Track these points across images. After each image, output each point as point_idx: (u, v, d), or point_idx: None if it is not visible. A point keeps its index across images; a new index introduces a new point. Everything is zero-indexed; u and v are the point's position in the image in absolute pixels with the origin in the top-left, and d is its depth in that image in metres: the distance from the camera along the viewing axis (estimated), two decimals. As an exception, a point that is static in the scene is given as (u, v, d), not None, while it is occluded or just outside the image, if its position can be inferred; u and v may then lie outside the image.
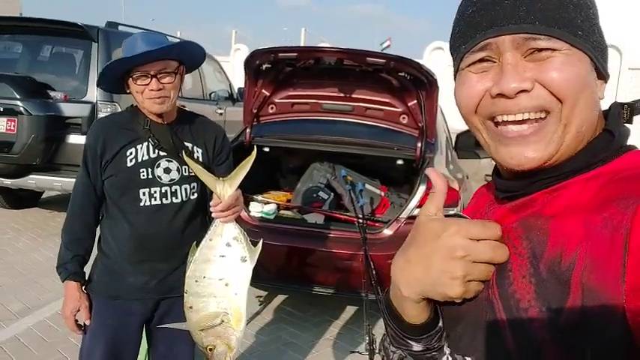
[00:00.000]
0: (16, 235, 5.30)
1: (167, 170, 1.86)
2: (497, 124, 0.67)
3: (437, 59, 15.76)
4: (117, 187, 1.84)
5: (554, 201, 0.65)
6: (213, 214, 1.55)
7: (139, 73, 1.74)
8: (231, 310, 1.51)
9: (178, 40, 1.88)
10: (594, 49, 0.66)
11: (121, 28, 5.81)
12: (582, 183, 0.64)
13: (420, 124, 3.77)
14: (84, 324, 1.89)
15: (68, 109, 5.01)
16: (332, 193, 3.96)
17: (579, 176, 0.65)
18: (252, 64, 3.77)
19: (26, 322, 3.50)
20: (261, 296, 4.09)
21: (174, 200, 1.87)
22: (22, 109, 4.74)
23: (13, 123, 4.73)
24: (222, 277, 1.51)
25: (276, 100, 4.10)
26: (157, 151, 1.84)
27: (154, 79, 1.74)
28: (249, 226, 3.40)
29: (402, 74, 3.64)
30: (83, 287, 1.88)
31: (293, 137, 3.94)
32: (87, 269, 1.93)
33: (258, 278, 3.54)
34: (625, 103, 0.71)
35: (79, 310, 1.86)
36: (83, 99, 5.07)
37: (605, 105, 0.71)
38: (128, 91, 1.82)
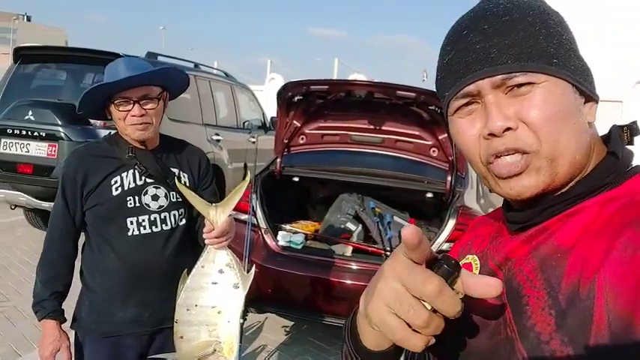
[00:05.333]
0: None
1: (155, 197, 1.80)
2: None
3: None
4: (102, 217, 1.77)
5: (567, 227, 0.64)
6: (206, 241, 1.52)
7: (120, 99, 1.70)
8: (223, 339, 1.47)
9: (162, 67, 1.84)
10: (574, 73, 0.66)
11: (160, 58, 6.01)
12: (596, 207, 0.63)
13: (450, 158, 3.76)
14: None
15: (106, 136, 5.18)
16: (360, 225, 3.95)
17: (590, 200, 0.65)
18: (285, 96, 3.85)
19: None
20: (287, 326, 4.07)
21: (164, 227, 1.81)
22: (62, 134, 4.92)
23: (54, 148, 4.91)
24: (214, 304, 1.47)
25: (307, 131, 4.16)
26: (143, 178, 1.78)
27: (136, 105, 1.70)
28: (278, 255, 3.42)
29: (433, 107, 3.65)
30: (64, 325, 1.79)
31: (322, 168, 3.98)
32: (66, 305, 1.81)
33: (285, 308, 3.57)
34: (624, 125, 0.70)
35: (59, 351, 1.76)
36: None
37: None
38: (109, 118, 1.79)
